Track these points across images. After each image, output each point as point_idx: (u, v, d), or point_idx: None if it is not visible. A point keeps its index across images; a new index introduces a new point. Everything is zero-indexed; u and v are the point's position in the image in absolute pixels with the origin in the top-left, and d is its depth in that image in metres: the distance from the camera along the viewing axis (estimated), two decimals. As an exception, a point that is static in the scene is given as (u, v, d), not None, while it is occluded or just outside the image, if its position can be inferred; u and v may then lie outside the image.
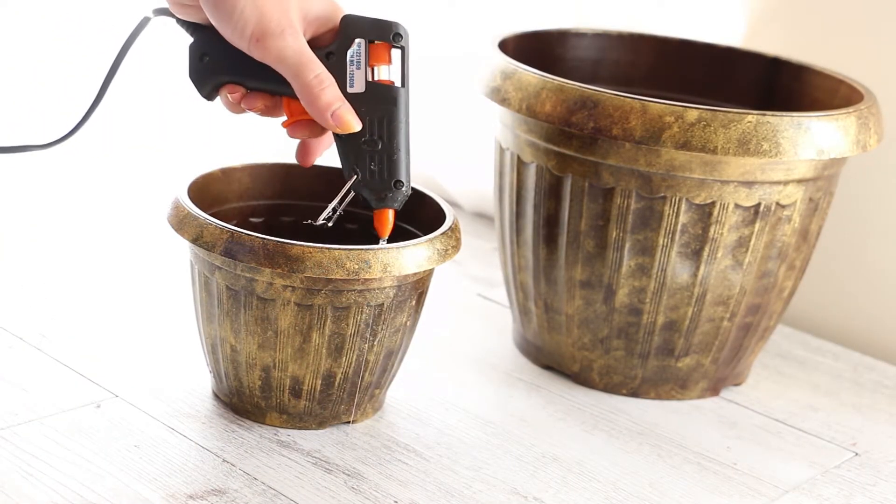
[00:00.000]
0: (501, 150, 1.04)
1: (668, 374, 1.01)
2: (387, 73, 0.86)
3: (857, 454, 0.97)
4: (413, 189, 0.97)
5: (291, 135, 0.88)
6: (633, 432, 0.97)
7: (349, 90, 0.85)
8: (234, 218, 0.97)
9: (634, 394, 1.02)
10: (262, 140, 1.45)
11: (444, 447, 0.92)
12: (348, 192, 0.88)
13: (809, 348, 1.14)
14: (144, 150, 1.48)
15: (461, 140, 1.38)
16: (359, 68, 0.85)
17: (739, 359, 1.03)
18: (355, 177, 0.87)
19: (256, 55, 0.83)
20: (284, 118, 0.88)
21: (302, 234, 0.98)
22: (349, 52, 0.85)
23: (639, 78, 1.15)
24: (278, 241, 0.84)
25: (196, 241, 0.87)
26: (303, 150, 0.90)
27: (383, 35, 0.85)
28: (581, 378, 1.03)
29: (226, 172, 0.97)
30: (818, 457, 0.96)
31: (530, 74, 0.97)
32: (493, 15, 1.33)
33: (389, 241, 0.94)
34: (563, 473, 0.90)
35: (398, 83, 0.86)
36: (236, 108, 0.88)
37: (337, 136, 0.87)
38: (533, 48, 1.10)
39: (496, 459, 0.91)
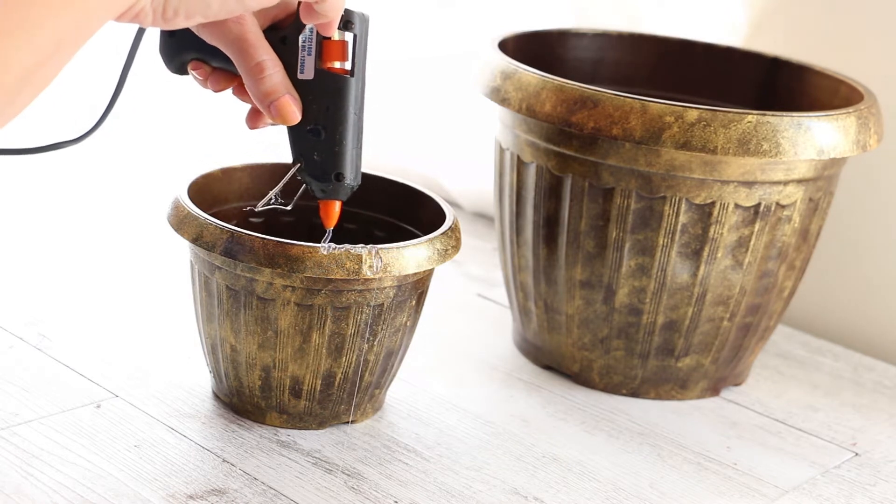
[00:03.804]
0: (501, 150, 1.04)
1: (668, 374, 1.01)
2: (339, 61, 0.83)
3: (857, 454, 0.97)
4: (413, 189, 0.97)
5: (250, 126, 0.86)
6: (633, 432, 0.97)
7: (300, 76, 0.83)
8: (234, 218, 0.97)
9: (634, 394, 1.02)
10: (262, 140, 1.45)
11: (444, 447, 0.92)
12: (293, 179, 0.86)
13: (809, 348, 1.14)
14: (145, 151, 1.48)
15: (461, 140, 1.38)
16: (309, 54, 0.82)
17: (739, 359, 1.03)
18: (299, 165, 0.85)
19: (205, 38, 0.81)
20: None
21: (302, 234, 0.98)
22: (301, 37, 0.82)
23: (639, 78, 1.15)
24: (278, 241, 0.84)
25: (196, 241, 0.87)
26: (252, 115, 0.88)
27: None
28: (581, 378, 1.03)
29: (226, 172, 0.97)
30: (818, 457, 0.96)
31: (530, 74, 0.97)
32: (493, 15, 1.33)
33: (386, 239, 0.94)
34: (563, 473, 0.90)
35: (349, 72, 0.83)
36: (205, 85, 0.87)
37: None
38: (533, 48, 1.10)
39: (496, 459, 0.91)
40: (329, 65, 0.83)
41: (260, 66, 0.81)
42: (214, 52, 0.83)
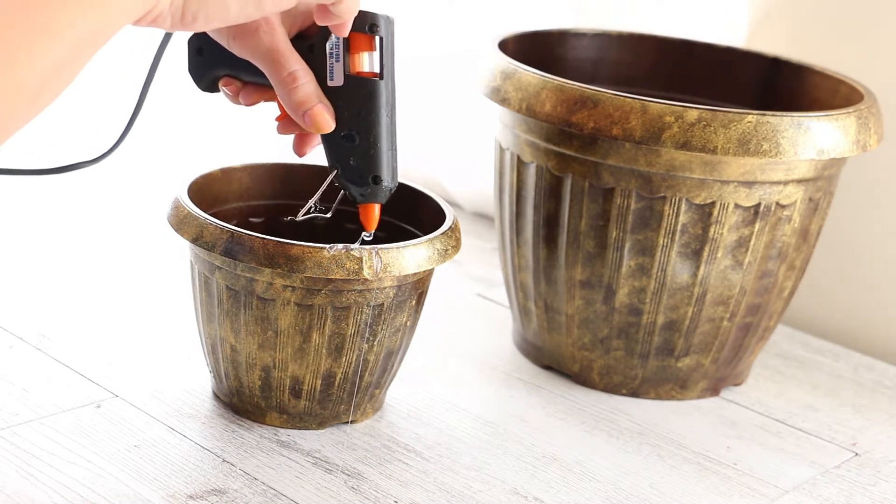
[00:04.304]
0: (501, 150, 1.04)
1: (668, 374, 1.01)
2: (367, 65, 0.83)
3: (857, 454, 0.97)
4: (413, 189, 0.97)
5: (281, 131, 0.87)
6: (633, 432, 0.97)
7: (329, 83, 0.83)
8: (234, 218, 0.97)
9: (634, 394, 1.02)
10: (262, 140, 1.45)
11: (444, 447, 0.92)
12: (331, 186, 0.87)
13: (809, 348, 1.14)
14: (144, 151, 1.48)
15: (461, 140, 1.38)
16: (337, 61, 0.83)
17: (739, 359, 1.03)
18: (336, 171, 0.85)
19: (236, 52, 0.82)
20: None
21: (302, 234, 0.98)
22: (328, 45, 0.83)
23: (639, 78, 1.15)
24: (278, 241, 0.84)
25: (196, 241, 0.87)
26: (298, 141, 0.89)
27: (360, 25, 0.82)
28: (581, 378, 1.03)
29: (226, 172, 0.97)
30: (818, 457, 0.96)
31: (530, 74, 0.97)
32: (493, 15, 1.33)
33: (386, 239, 0.94)
34: (563, 473, 0.90)
35: (378, 75, 0.84)
36: (236, 101, 0.87)
37: None
38: (533, 48, 1.10)
39: (496, 459, 0.91)
40: (358, 70, 0.83)
41: (292, 76, 0.81)
42: (245, 67, 0.83)
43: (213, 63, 0.85)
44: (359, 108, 0.83)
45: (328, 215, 0.90)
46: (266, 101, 0.86)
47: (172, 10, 0.71)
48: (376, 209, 0.86)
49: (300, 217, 0.89)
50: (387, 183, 0.85)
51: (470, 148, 1.35)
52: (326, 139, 0.85)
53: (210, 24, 0.73)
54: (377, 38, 0.83)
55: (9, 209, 1.28)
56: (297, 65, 0.81)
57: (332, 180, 0.86)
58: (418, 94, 1.40)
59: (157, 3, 0.68)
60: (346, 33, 0.81)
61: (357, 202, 0.86)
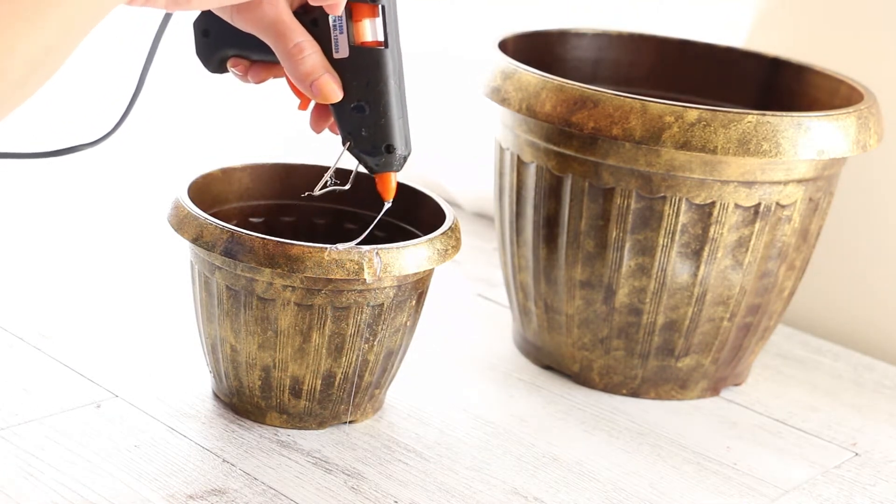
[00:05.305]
0: (501, 150, 1.04)
1: (668, 374, 1.01)
2: (371, 34, 0.83)
3: (857, 454, 0.97)
4: (413, 189, 0.97)
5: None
6: (633, 432, 0.97)
7: (335, 56, 0.83)
8: (234, 218, 0.97)
9: (634, 394, 1.02)
10: (262, 140, 1.45)
11: (444, 447, 0.92)
12: (351, 158, 0.86)
13: (809, 348, 1.14)
14: (144, 151, 1.48)
15: (461, 140, 1.38)
16: (342, 33, 0.83)
17: (739, 359, 1.03)
18: (349, 143, 0.85)
19: (240, 26, 0.81)
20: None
21: (302, 234, 0.98)
22: (331, 17, 0.83)
23: (639, 78, 1.15)
24: (278, 241, 0.84)
25: (196, 241, 0.87)
26: (315, 116, 0.88)
27: None
28: (581, 378, 1.03)
29: (226, 172, 0.97)
30: (818, 457, 0.96)
31: (530, 74, 0.97)
32: (494, 15, 1.33)
33: (386, 239, 0.94)
34: (563, 473, 0.90)
35: (383, 44, 0.83)
36: (245, 80, 0.87)
37: (332, 104, 0.85)
38: (533, 48, 1.10)
39: (496, 459, 0.91)
40: (362, 40, 0.83)
41: (298, 47, 0.81)
42: (252, 46, 0.83)
43: (219, 44, 0.85)
44: (367, 79, 0.83)
45: (346, 187, 0.90)
46: (274, 77, 0.86)
47: None
48: (392, 178, 0.86)
49: (317, 191, 0.89)
50: (400, 151, 0.85)
51: (470, 148, 1.35)
52: (337, 112, 0.85)
53: (205, 5, 0.73)
54: (379, 7, 0.83)
55: (7, 194, 1.28)
56: (301, 36, 0.81)
57: (345, 152, 0.86)
58: (418, 93, 1.40)
59: None
60: (339, 12, 0.80)
61: (373, 172, 0.86)
